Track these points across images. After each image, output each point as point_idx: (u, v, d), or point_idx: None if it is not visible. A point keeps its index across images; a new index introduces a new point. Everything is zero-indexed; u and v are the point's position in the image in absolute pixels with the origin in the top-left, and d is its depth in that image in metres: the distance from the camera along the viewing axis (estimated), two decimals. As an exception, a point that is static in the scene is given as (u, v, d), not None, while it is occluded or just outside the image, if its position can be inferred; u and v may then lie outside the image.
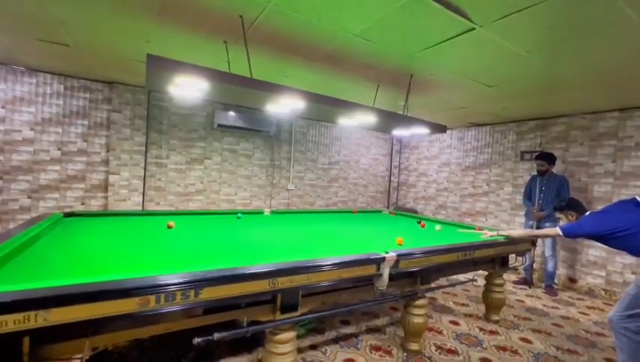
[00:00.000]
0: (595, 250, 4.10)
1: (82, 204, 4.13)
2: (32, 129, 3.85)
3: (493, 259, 2.92)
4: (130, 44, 2.83)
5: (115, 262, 1.58)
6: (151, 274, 1.28)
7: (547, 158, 4.00)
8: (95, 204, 4.20)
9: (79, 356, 1.23)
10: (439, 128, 3.44)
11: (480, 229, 3.22)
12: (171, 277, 1.27)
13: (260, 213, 3.68)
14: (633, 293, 1.95)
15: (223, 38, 2.58)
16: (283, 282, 1.55)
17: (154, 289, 1.23)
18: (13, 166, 3.79)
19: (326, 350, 2.37)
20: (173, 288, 1.26)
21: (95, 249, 1.81)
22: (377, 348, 2.43)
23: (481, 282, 3.27)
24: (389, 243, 2.40)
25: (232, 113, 4.76)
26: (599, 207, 4.07)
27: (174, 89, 2.35)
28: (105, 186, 4.23)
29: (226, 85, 2.20)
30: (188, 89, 2.31)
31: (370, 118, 3.02)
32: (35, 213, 3.89)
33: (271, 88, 2.33)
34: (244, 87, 2.23)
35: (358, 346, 2.45)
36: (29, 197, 3.86)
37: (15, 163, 3.79)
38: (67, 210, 3.32)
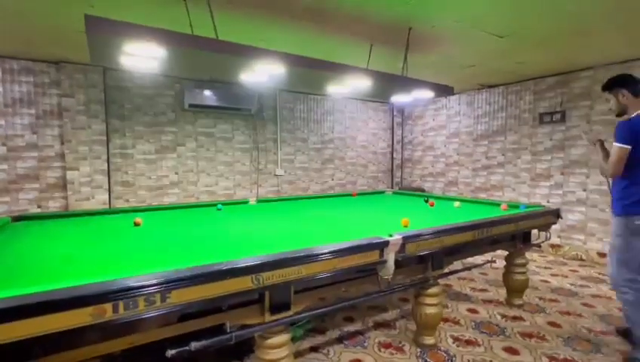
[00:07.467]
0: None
1: (38, 206, 4.01)
2: (-32, 123, 3.69)
3: (514, 236, 2.87)
4: (71, 11, 2.65)
5: (69, 268, 1.49)
6: (106, 279, 1.20)
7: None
8: (54, 206, 4.07)
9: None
10: (445, 90, 3.35)
11: (507, 208, 3.11)
12: (129, 281, 1.19)
13: (245, 202, 3.63)
14: None
15: (182, -5, 2.41)
16: (269, 277, 1.48)
17: (109, 295, 1.14)
18: (-49, 167, 3.65)
19: (329, 351, 2.33)
20: (133, 293, 1.18)
21: (46, 254, 1.72)
22: (387, 345, 2.40)
23: (501, 264, 3.24)
24: (394, 225, 2.33)
25: (204, 91, 4.60)
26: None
27: (126, 60, 2.20)
28: (63, 185, 4.09)
29: (188, 50, 2.06)
30: (142, 58, 2.16)
31: (364, 83, 2.92)
32: (-17, 221, 3.76)
33: (243, 51, 2.19)
34: (211, 51, 2.08)
35: (365, 344, 2.42)
36: (-26, 203, 3.74)
37: (-47, 164, 3.65)
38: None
